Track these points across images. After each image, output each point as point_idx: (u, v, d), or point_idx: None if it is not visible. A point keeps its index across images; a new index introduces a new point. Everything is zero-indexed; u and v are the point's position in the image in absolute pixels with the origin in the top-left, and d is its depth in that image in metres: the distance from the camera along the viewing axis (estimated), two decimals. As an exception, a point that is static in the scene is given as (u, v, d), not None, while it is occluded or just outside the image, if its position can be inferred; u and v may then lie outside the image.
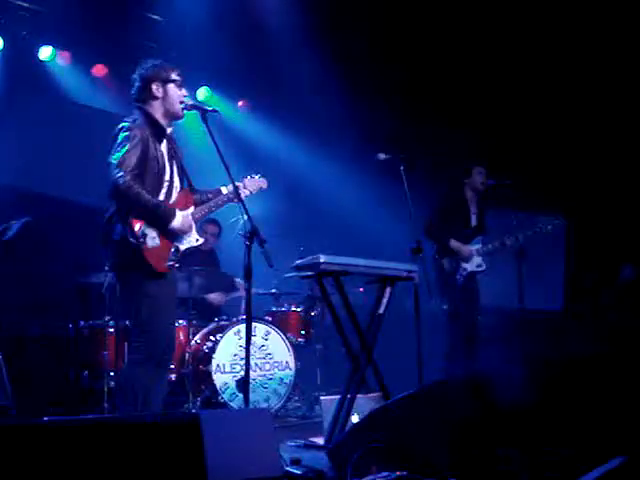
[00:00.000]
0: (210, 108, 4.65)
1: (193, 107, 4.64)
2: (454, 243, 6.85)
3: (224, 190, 4.73)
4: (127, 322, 6.45)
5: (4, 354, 6.13)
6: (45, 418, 2.71)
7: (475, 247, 6.90)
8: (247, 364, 4.32)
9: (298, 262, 5.03)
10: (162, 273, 4.33)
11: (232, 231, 7.30)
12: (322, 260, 4.80)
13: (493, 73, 8.07)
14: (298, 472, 3.93)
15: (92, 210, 7.72)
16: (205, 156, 5.00)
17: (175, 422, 2.84)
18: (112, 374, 6.26)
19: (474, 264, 6.88)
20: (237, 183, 4.63)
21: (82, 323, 6.65)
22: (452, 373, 6.40)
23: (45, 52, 7.90)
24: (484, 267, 6.91)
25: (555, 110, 8.00)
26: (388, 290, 5.13)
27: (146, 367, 4.29)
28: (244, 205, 4.35)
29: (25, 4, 7.45)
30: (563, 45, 7.59)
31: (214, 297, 7.31)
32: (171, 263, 4.46)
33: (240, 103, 9.60)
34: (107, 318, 6.42)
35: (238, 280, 6.99)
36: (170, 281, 4.48)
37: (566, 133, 8.05)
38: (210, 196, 4.73)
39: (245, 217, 4.32)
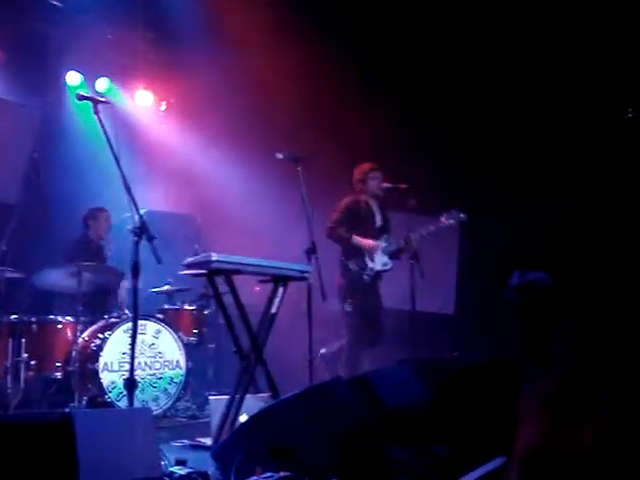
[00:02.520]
0: (103, 99, 4.58)
1: (84, 98, 4.57)
2: (356, 238, 6.84)
3: None
4: (12, 317, 6.26)
5: None
6: None
7: (380, 243, 6.91)
8: (132, 362, 4.22)
9: (190, 260, 4.95)
10: None
11: (122, 226, 7.20)
12: (214, 258, 4.74)
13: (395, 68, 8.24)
14: (181, 473, 3.88)
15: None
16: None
17: (46, 422, 2.73)
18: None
19: (380, 263, 6.88)
20: None
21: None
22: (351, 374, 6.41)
23: None
24: (390, 266, 6.90)
25: (448, 107, 8.18)
26: (281, 290, 5.11)
27: None
28: (134, 200, 4.25)
29: None
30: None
31: (102, 294, 7.08)
32: None
33: (141, 95, 9.42)
34: (-10, 313, 6.14)
35: (125, 275, 6.81)
36: None
37: (460, 134, 8.24)
38: None
39: (135, 213, 4.23)
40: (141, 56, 9.07)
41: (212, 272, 4.91)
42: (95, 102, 4.56)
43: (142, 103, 9.35)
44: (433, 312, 8.31)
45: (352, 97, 8.06)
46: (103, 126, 4.41)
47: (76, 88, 8.56)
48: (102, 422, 2.99)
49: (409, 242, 6.75)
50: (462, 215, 6.85)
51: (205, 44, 8.31)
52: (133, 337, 4.25)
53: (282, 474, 3.59)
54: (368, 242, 6.85)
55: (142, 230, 4.11)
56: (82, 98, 4.62)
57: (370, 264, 6.85)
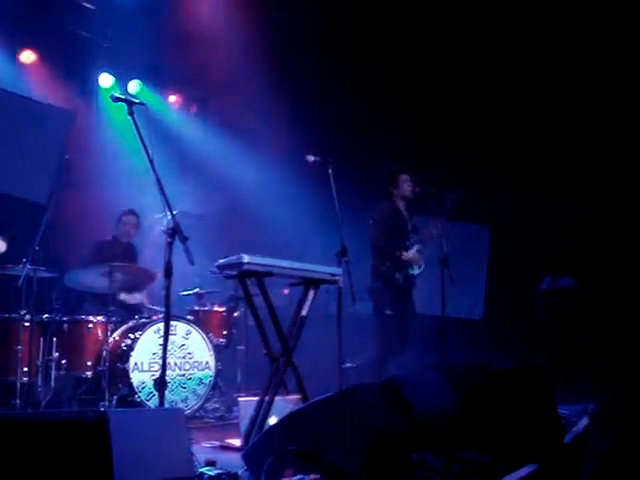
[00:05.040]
0: (137, 101, 4.60)
1: (119, 99, 4.59)
2: (406, 255, 6.88)
3: None
4: (44, 317, 6.33)
5: None
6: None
7: (416, 248, 6.95)
8: (164, 363, 4.24)
9: (221, 261, 4.97)
10: None
11: (154, 227, 7.25)
12: (245, 260, 4.75)
13: (420, 73, 8.22)
14: (211, 474, 3.88)
15: (13, 201, 7.60)
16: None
17: (82, 421, 2.75)
18: (26, 370, 6.07)
19: (417, 267, 6.95)
20: None
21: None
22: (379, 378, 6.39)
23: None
24: (423, 267, 6.97)
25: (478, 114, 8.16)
26: (311, 292, 5.11)
27: None
28: (167, 201, 4.27)
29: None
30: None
31: (130, 295, 7.15)
32: None
33: (172, 99, 9.49)
34: (23, 312, 6.20)
35: (157, 276, 6.85)
36: None
37: (490, 141, 8.21)
38: None
39: (168, 214, 4.25)
40: (173, 58, 9.12)
41: (243, 274, 4.92)
42: (130, 104, 4.56)
43: (173, 105, 9.41)
44: (462, 317, 8.28)
45: (379, 99, 8.08)
46: (137, 128, 4.42)
47: (108, 90, 8.67)
48: (136, 421, 3.00)
49: (431, 235, 6.79)
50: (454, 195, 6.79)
51: (237, 46, 8.35)
52: (165, 336, 4.26)
53: (312, 477, 3.59)
54: (412, 256, 6.90)
55: (175, 231, 4.12)
56: (117, 100, 4.62)
57: (410, 271, 6.90)
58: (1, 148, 7.66)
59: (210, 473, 3.90)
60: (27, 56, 8.22)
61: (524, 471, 3.62)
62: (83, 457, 2.73)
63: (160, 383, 4.37)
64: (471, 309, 8.77)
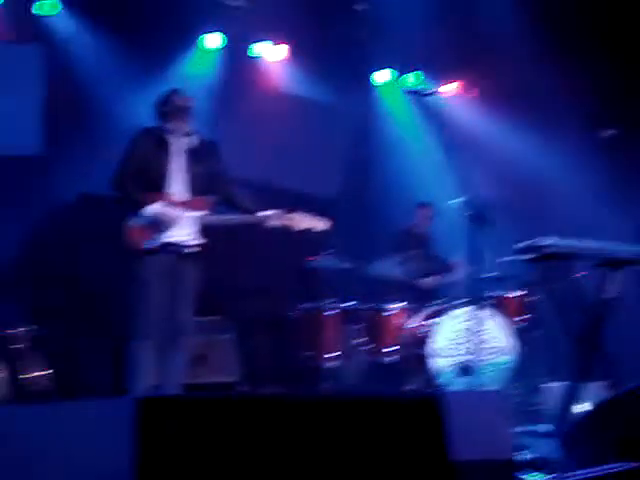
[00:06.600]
0: (429, 92, 4.69)
1: (411, 92, 4.71)
2: None
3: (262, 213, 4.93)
4: (346, 305, 6.71)
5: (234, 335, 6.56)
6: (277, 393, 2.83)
7: None
8: (473, 347, 4.30)
9: (521, 245, 4.90)
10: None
11: (449, 214, 7.32)
12: (547, 242, 4.65)
13: None
14: (526, 457, 3.87)
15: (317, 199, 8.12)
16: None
17: (414, 401, 2.86)
18: (333, 355, 6.47)
19: None
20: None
21: (304, 306, 6.89)
22: None
23: (259, 47, 8.27)
24: None
25: None
26: (617, 274, 4.87)
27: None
28: (469, 188, 4.31)
29: (239, 3, 7.79)
30: None
31: (428, 281, 7.32)
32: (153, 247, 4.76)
33: (451, 86, 9.50)
34: (328, 301, 6.63)
35: (454, 262, 6.93)
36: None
37: None
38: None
39: (468, 199, 4.29)
40: (448, 45, 9.12)
41: (545, 256, 4.81)
42: (422, 95, 4.67)
43: (452, 93, 9.42)
44: None
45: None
46: (433, 118, 4.52)
47: (386, 86, 8.91)
48: (461, 403, 3.08)
49: None
50: None
51: (515, 25, 8.18)
52: (472, 321, 4.32)
53: (633, 464, 3.45)
54: None
55: (479, 216, 4.15)
56: (410, 92, 4.76)
57: None
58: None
59: (525, 457, 3.90)
60: (311, 62, 8.64)
61: None
62: (415, 437, 2.82)
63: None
64: None
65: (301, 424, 2.58)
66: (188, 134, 5.00)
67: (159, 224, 4.76)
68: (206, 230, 4.96)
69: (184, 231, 4.86)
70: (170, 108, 4.95)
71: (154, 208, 4.75)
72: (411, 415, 2.84)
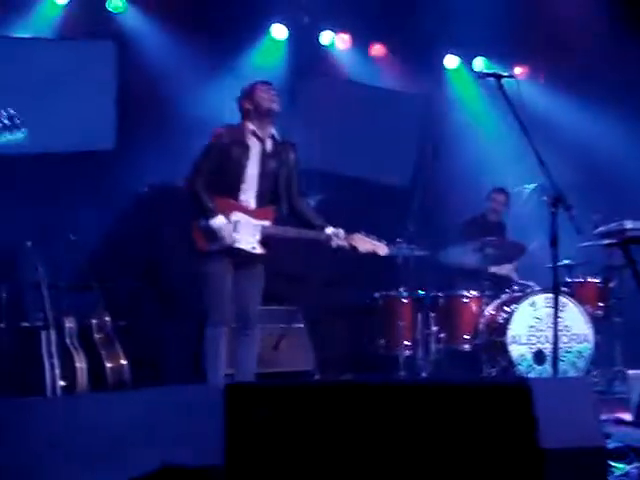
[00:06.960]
0: (506, 74, 4.62)
1: (487, 75, 4.64)
2: None
3: (327, 231, 4.85)
4: (420, 293, 6.68)
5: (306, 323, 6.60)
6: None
7: None
8: (555, 335, 4.23)
9: (601, 229, 4.82)
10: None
11: (524, 199, 7.22)
12: (629, 227, 4.56)
13: None
14: (617, 445, 3.79)
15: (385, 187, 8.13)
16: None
17: (503, 388, 2.83)
18: (407, 343, 6.46)
19: None
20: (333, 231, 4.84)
21: (377, 294, 6.92)
22: None
23: (326, 37, 8.26)
24: None
25: None
26: None
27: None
28: (548, 172, 4.24)
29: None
30: None
31: (503, 269, 7.24)
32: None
33: (519, 70, 9.35)
34: (402, 289, 6.61)
35: (530, 248, 6.83)
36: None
37: None
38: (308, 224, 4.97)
39: (544, 184, 4.22)
40: (515, 30, 8.98)
41: (627, 240, 4.72)
42: (499, 77, 4.60)
43: (521, 77, 9.26)
44: None
45: None
46: (509, 100, 4.44)
47: (455, 71, 8.83)
48: (550, 389, 3.04)
49: None
50: None
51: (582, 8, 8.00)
52: (555, 308, 4.25)
53: None
54: None
55: (559, 200, 4.08)
56: (485, 76, 4.70)
57: None
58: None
59: (615, 444, 3.82)
60: (377, 50, 8.64)
61: None
62: (505, 423, 2.80)
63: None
64: None
65: (388, 411, 2.55)
66: (269, 137, 4.87)
67: (220, 239, 4.72)
68: (269, 239, 4.89)
69: (249, 239, 4.80)
70: (254, 106, 4.77)
71: (219, 223, 4.69)
72: (500, 402, 2.81)
